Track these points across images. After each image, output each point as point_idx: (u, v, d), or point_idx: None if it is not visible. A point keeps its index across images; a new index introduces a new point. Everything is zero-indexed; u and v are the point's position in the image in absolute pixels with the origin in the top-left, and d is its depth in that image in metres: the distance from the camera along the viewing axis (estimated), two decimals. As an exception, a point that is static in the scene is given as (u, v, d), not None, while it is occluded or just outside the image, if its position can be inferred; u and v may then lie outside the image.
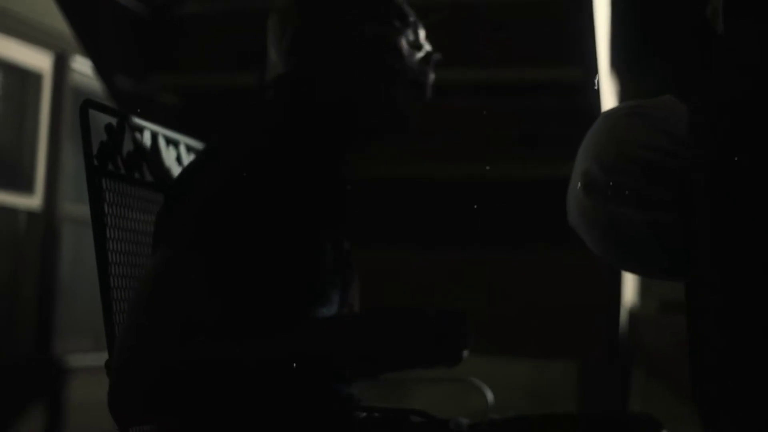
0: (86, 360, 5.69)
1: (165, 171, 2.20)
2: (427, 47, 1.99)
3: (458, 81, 3.61)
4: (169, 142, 2.24)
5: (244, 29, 3.92)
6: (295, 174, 1.81)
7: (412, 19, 1.98)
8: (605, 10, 3.42)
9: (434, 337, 1.73)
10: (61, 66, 5.75)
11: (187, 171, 1.87)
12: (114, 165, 1.98)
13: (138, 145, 2.08)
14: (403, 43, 1.95)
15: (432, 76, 2.00)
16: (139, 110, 3.16)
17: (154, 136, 2.16)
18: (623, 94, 4.17)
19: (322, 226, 1.87)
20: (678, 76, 1.82)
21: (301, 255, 1.80)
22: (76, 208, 5.85)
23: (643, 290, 4.66)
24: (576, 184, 1.91)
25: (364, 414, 1.87)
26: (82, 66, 5.79)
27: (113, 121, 2.00)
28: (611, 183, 1.83)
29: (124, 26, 3.75)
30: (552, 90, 3.58)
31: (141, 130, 2.11)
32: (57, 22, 5.52)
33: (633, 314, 4.07)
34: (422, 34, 1.99)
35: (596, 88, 3.22)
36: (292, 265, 1.77)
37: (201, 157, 1.87)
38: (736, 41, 1.61)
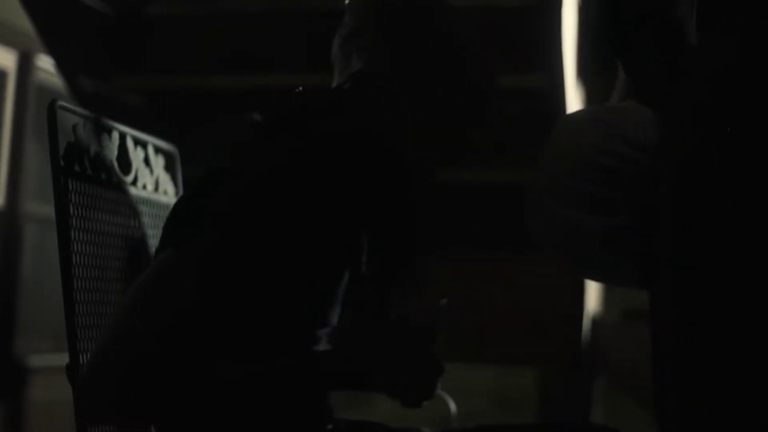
0: (47, 360, 5.64)
1: (133, 172, 2.19)
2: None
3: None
4: (137, 143, 2.22)
5: (209, 32, 3.92)
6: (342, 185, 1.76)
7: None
8: (573, 16, 3.43)
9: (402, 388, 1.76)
10: (25, 64, 5.71)
11: (208, 176, 1.82)
12: (80, 166, 1.96)
13: (106, 146, 2.07)
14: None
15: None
16: (103, 111, 3.16)
17: (123, 137, 2.15)
18: (589, 100, 4.19)
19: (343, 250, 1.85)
20: (642, 81, 1.83)
21: (313, 272, 1.78)
22: (38, 207, 5.80)
23: (607, 298, 4.67)
24: (532, 187, 1.91)
25: (331, 426, 1.88)
26: (47, 64, 5.75)
27: (81, 121, 1.98)
28: (566, 186, 1.84)
29: (88, 26, 3.72)
30: (520, 96, 3.58)
31: (109, 130, 2.09)
32: (22, 20, 5.48)
33: (596, 322, 4.08)
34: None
35: (563, 94, 3.24)
36: (301, 281, 1.76)
37: (222, 164, 1.82)
38: (708, 53, 1.62)
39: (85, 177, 1.98)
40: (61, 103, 1.93)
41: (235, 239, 1.68)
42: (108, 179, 2.07)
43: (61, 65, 3.65)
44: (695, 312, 1.56)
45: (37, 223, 5.81)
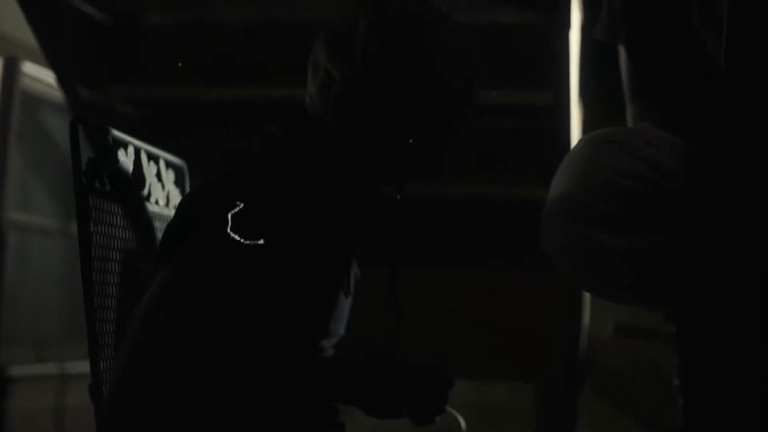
0: (28, 370, 5.59)
1: (147, 187, 2.17)
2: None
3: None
4: (150, 157, 2.21)
5: (205, 42, 3.91)
6: (310, 203, 1.76)
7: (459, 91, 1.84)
8: (578, 34, 3.45)
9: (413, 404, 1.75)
10: (10, 71, 5.66)
11: (198, 192, 1.84)
12: (100, 182, 1.96)
13: (123, 161, 2.05)
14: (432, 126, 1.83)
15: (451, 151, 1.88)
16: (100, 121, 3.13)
17: (137, 152, 2.14)
18: (589, 119, 4.20)
19: (335, 260, 1.83)
20: (669, 107, 1.84)
21: (312, 288, 1.77)
22: (19, 215, 5.76)
23: (598, 313, 4.68)
24: (552, 208, 1.91)
25: None
26: (32, 71, 5.71)
27: (100, 137, 1.97)
28: (587, 208, 1.85)
29: (86, 35, 3.70)
30: (515, 112, 3.59)
31: (126, 145, 2.08)
32: (6, 26, 5.44)
33: (588, 336, 4.09)
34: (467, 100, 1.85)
35: (568, 111, 3.24)
36: (299, 296, 1.75)
37: (215, 178, 1.83)
38: (738, 81, 1.63)
39: (104, 193, 1.97)
40: (82, 119, 1.91)
41: (228, 252, 1.69)
42: (125, 195, 2.06)
43: (59, 74, 3.62)
44: (730, 336, 1.56)
45: (17, 231, 5.76)
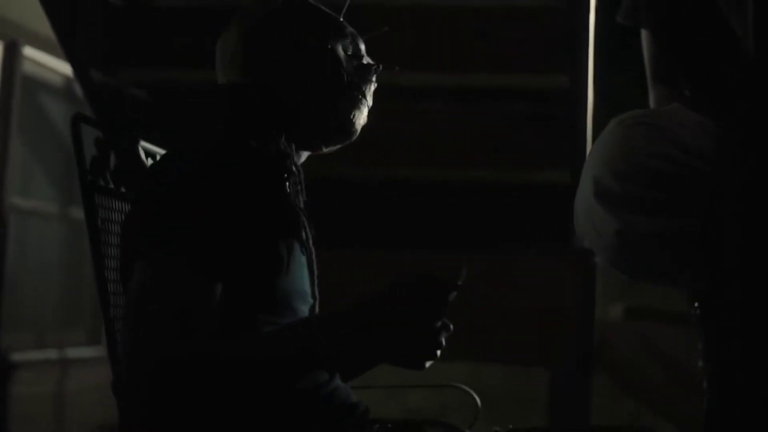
0: (28, 355, 5.59)
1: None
2: (367, 59, 1.98)
3: (438, 85, 3.60)
4: (148, 154, 2.20)
5: (218, 26, 3.87)
6: (245, 183, 1.77)
7: (351, 32, 1.97)
8: (593, 17, 3.43)
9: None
10: (11, 55, 5.62)
11: (148, 180, 1.83)
12: (104, 179, 1.96)
13: (123, 158, 2.04)
14: (343, 55, 1.93)
15: (372, 86, 1.97)
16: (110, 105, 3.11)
17: (136, 148, 2.12)
18: (609, 101, 4.19)
19: (277, 234, 1.82)
20: (695, 86, 1.84)
21: (256, 266, 1.75)
22: (20, 200, 5.74)
23: (607, 296, 4.67)
24: (585, 192, 1.92)
25: (377, 426, 1.86)
26: (33, 54, 5.68)
27: (100, 134, 1.95)
28: (619, 190, 1.86)
29: (98, 16, 3.69)
30: (530, 96, 3.57)
31: (126, 142, 2.07)
32: (7, 10, 5.41)
33: (598, 320, 4.07)
34: (362, 46, 1.98)
35: (585, 95, 3.22)
36: (247, 277, 1.73)
37: (158, 166, 1.83)
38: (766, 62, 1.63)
39: (108, 190, 1.97)
40: (83, 116, 1.91)
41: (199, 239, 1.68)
42: (125, 191, 2.05)
43: (72, 56, 3.59)
44: (762, 321, 1.58)
45: (17, 215, 5.73)
